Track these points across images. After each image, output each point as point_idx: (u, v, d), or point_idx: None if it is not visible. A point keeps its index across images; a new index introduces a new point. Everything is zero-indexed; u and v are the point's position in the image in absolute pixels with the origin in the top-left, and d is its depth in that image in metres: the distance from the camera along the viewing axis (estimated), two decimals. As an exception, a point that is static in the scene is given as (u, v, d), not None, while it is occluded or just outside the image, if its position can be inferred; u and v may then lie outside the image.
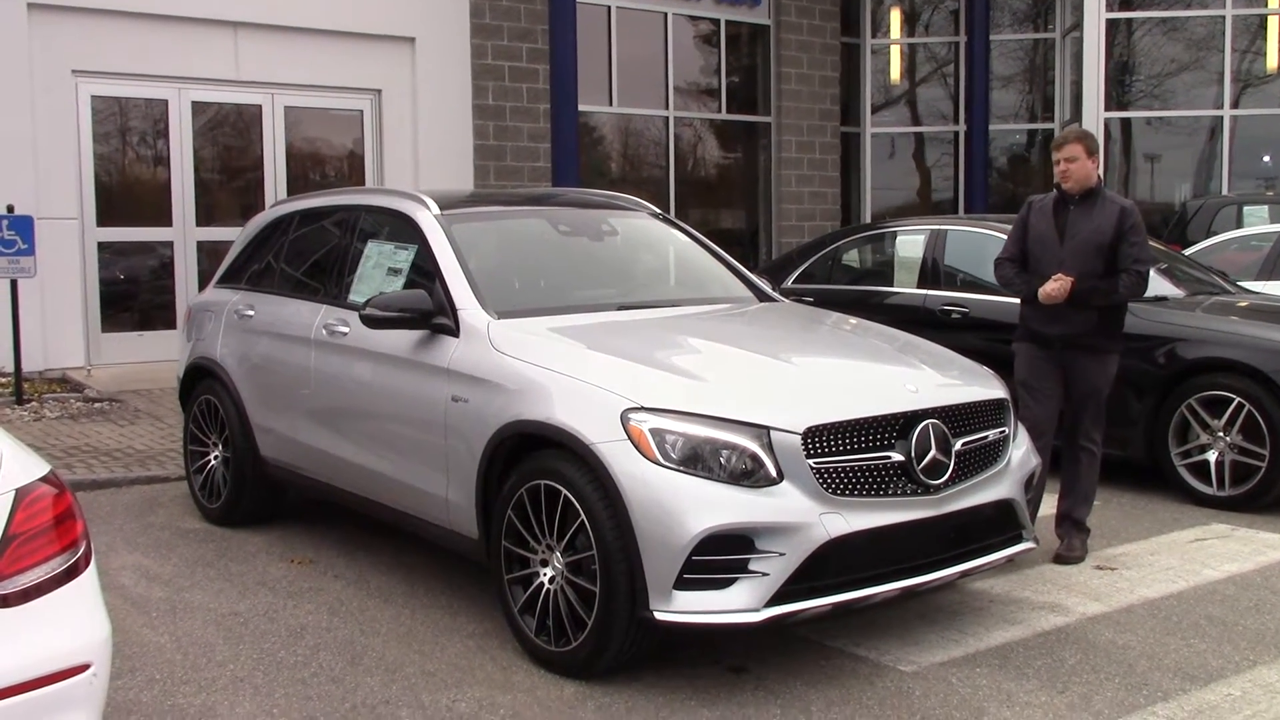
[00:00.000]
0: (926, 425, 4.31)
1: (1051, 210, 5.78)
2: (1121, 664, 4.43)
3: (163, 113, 11.74)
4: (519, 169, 13.65)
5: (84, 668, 2.76)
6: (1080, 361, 5.68)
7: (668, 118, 15.34)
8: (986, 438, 4.59)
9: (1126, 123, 16.66)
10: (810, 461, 4.07)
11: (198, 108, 11.91)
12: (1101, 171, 5.71)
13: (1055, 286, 5.58)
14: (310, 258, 6.48)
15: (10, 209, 9.51)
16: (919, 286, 8.33)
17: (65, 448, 8.16)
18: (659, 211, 6.52)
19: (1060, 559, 5.67)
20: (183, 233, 11.80)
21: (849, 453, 4.16)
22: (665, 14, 15.10)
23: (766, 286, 6.16)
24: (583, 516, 4.14)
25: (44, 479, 2.89)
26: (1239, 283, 8.65)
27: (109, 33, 11.18)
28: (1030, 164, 18.05)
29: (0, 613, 2.66)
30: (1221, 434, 6.68)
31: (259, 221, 7.08)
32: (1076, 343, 5.66)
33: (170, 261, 11.79)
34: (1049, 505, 5.67)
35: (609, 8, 14.54)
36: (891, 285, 8.72)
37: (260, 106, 12.23)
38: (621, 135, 15.47)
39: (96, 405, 9.58)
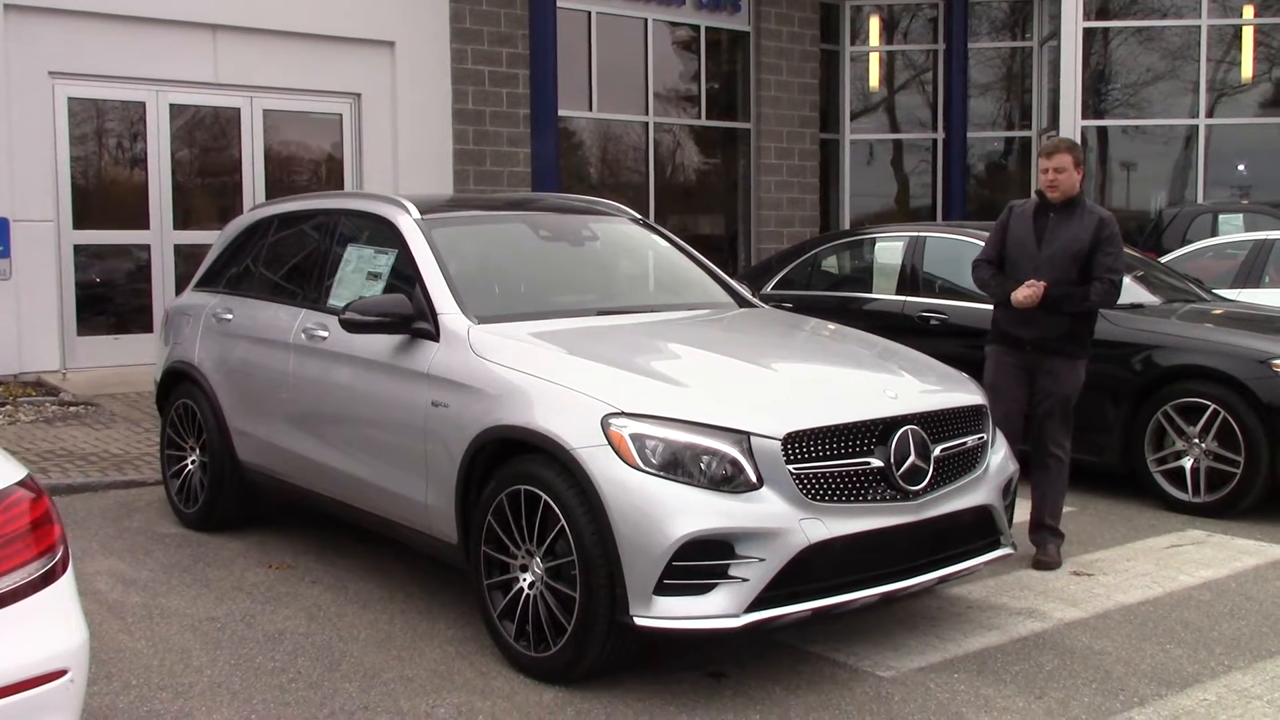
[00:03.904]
0: (906, 431, 4.33)
1: (1031, 216, 5.84)
2: (1098, 669, 4.45)
3: (140, 115, 11.67)
4: (499, 173, 13.63)
5: (61, 673, 2.74)
6: (1049, 365, 5.73)
7: (647, 123, 15.36)
8: (965, 444, 4.61)
9: (1103, 131, 16.78)
10: (790, 467, 4.07)
11: (176, 110, 11.84)
12: (1078, 179, 5.79)
13: (1028, 292, 5.64)
14: (289, 261, 6.46)
15: (-15, 211, 9.46)
16: (898, 293, 8.36)
17: (40, 452, 8.10)
18: (639, 217, 6.53)
19: (1038, 564, 5.71)
20: (160, 236, 11.73)
21: (829, 458, 4.17)
22: (645, 20, 15.13)
23: (746, 292, 6.17)
24: (563, 522, 4.14)
25: (20, 483, 2.86)
26: (1214, 290, 8.72)
27: (86, 34, 11.10)
28: (1008, 171, 18.16)
29: (-24, 618, 2.65)
30: (1197, 441, 6.73)
31: (237, 225, 7.05)
32: (1047, 346, 5.73)
33: (147, 264, 11.71)
34: (1022, 511, 5.70)
35: (589, 13, 14.55)
36: (870, 291, 8.76)
37: (239, 109, 12.17)
38: (601, 140, 15.48)
39: (72, 409, 9.52)
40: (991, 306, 6.06)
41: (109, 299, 11.76)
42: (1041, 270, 5.70)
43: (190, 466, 6.56)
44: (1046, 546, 5.79)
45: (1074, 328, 5.75)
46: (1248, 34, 16.27)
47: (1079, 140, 15.39)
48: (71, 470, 7.65)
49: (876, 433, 4.29)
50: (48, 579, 2.80)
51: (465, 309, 4.97)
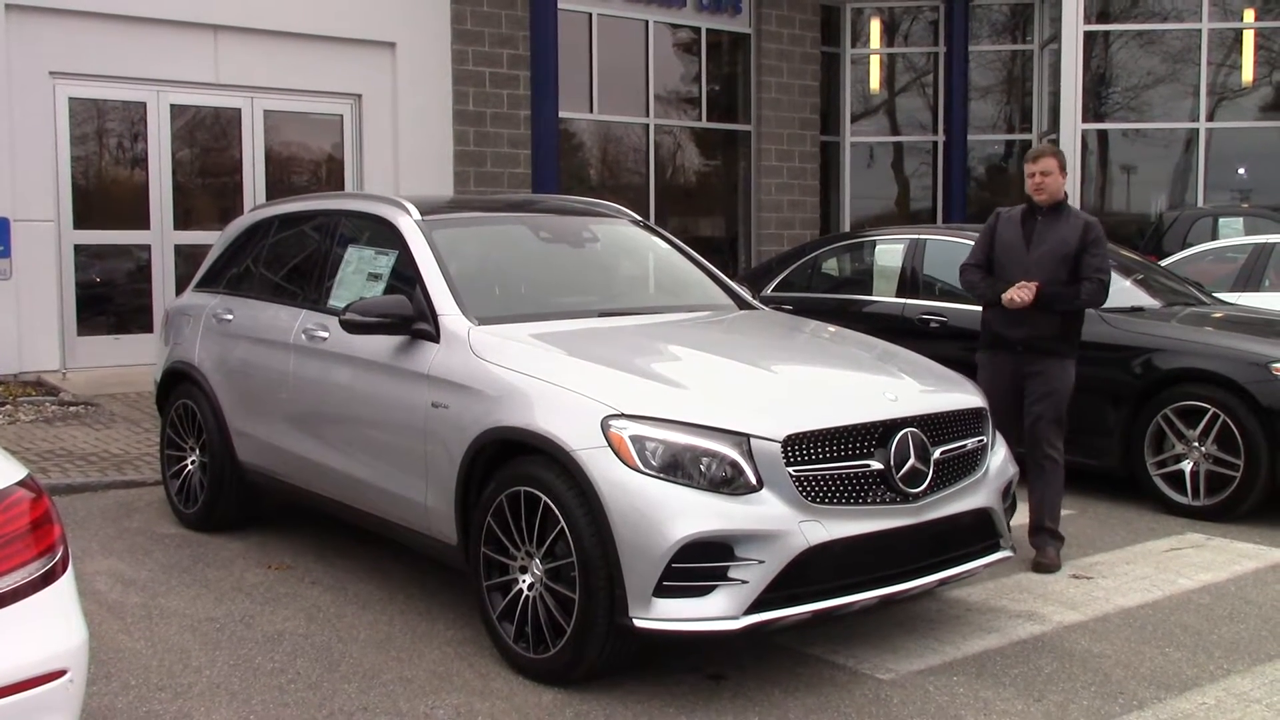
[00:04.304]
0: (905, 434, 4.33)
1: (1019, 221, 6.00)
2: (1097, 672, 4.45)
3: (141, 115, 11.67)
4: (499, 175, 13.64)
5: (61, 673, 2.74)
6: (1040, 365, 5.83)
7: (648, 125, 15.36)
8: (965, 446, 4.61)
9: (1103, 134, 16.78)
10: (790, 469, 4.08)
11: (176, 110, 11.84)
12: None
13: (1021, 293, 5.73)
14: (290, 262, 6.46)
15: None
16: (898, 295, 8.36)
17: (40, 451, 8.10)
18: (639, 218, 6.53)
19: (1038, 567, 5.73)
20: (160, 236, 11.73)
21: (828, 461, 4.17)
22: (646, 21, 15.13)
23: (746, 294, 6.18)
24: (562, 523, 4.14)
25: (21, 483, 2.86)
26: (1214, 294, 8.72)
27: (87, 34, 11.10)
28: (1008, 174, 18.16)
29: (-24, 618, 2.65)
30: (1197, 444, 6.73)
31: (238, 225, 7.06)
32: (1038, 346, 5.83)
33: (147, 265, 11.71)
34: (1021, 514, 5.70)
35: (590, 15, 14.55)
36: (870, 294, 8.76)
37: (239, 110, 12.17)
38: (602, 142, 15.48)
39: (72, 409, 9.52)
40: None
41: (109, 299, 11.76)
42: (1032, 272, 5.83)
43: (190, 467, 6.56)
44: (1046, 549, 5.79)
45: (1064, 327, 5.87)
46: (1248, 38, 16.27)
47: (1080, 143, 15.44)
48: (71, 470, 7.65)
49: (876, 435, 4.30)
50: (48, 579, 2.80)
51: (465, 310, 4.97)
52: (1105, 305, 7.39)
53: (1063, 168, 5.93)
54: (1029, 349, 5.84)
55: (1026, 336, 5.83)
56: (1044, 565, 5.73)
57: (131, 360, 11.17)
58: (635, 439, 4.07)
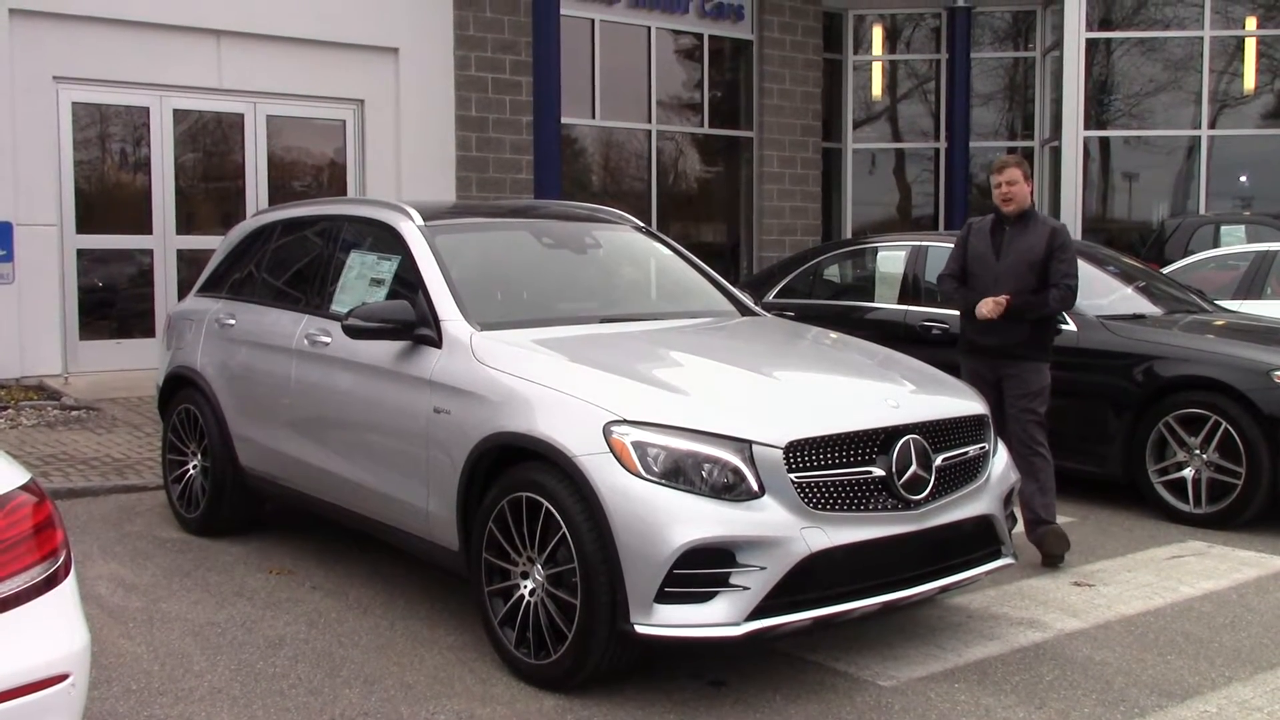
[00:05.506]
0: (907, 440, 4.33)
1: (989, 231, 6.17)
2: (1099, 680, 4.45)
3: (144, 120, 11.68)
4: (501, 180, 13.64)
5: (63, 677, 2.74)
6: (1014, 370, 6.00)
7: (650, 131, 15.37)
8: (967, 453, 4.61)
9: (1105, 141, 16.80)
10: (792, 476, 4.08)
11: (179, 115, 11.86)
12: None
13: (992, 308, 5.88)
14: (292, 267, 6.46)
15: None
16: (900, 302, 8.38)
17: (42, 456, 8.11)
18: (642, 225, 6.53)
19: (1047, 559, 5.87)
20: (163, 241, 11.74)
21: (830, 467, 4.17)
22: (649, 28, 15.14)
23: (748, 300, 6.19)
24: (564, 529, 4.14)
25: (23, 487, 2.87)
26: (1216, 301, 8.72)
27: (91, 39, 11.12)
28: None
29: (-22, 621, 2.65)
30: (1198, 452, 6.73)
31: (241, 230, 7.07)
32: (1011, 352, 5.99)
33: (150, 269, 11.72)
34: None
35: (592, 21, 14.57)
36: (872, 300, 8.77)
37: (242, 115, 12.19)
38: (604, 148, 15.48)
39: (74, 413, 9.52)
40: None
41: (111, 303, 11.76)
42: (1001, 281, 5.97)
43: (192, 471, 6.57)
44: (1048, 539, 5.90)
45: (1034, 333, 6.01)
46: (1250, 45, 16.29)
47: (1082, 150, 15.46)
48: (73, 474, 7.65)
49: (878, 442, 4.30)
50: (50, 583, 2.80)
51: (468, 315, 4.97)
52: (1107, 312, 7.44)
53: (1027, 177, 6.08)
54: (1001, 355, 6.01)
55: (997, 344, 6.00)
56: (1053, 553, 5.85)
57: (133, 365, 11.18)
58: (637, 445, 4.07)
